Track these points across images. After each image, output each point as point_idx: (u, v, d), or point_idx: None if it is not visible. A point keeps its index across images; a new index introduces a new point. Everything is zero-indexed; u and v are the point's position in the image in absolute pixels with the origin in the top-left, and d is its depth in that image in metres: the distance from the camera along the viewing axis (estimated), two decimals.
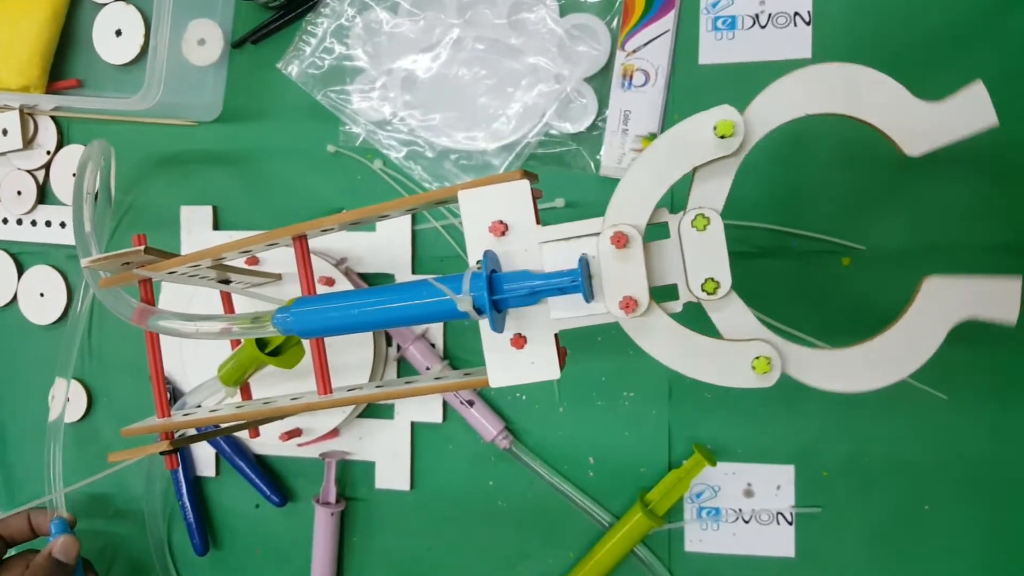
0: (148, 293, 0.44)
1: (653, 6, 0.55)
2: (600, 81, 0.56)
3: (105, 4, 0.63)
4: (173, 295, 0.62)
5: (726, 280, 0.35)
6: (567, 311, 0.36)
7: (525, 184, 0.36)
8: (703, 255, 0.35)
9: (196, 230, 0.63)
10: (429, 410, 0.60)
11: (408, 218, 0.59)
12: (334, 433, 0.60)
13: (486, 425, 0.57)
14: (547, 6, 0.56)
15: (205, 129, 0.63)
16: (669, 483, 0.55)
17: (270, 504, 0.62)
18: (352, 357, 0.57)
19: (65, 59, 0.66)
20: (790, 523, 0.55)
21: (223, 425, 0.48)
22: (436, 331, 0.59)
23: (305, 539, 0.61)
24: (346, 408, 0.58)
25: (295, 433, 0.59)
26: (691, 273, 0.35)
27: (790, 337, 0.38)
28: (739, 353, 0.35)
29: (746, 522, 0.55)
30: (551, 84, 0.56)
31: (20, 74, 0.63)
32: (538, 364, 0.36)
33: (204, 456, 0.64)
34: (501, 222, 0.36)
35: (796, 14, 0.53)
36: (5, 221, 0.67)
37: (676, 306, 0.36)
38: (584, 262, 0.35)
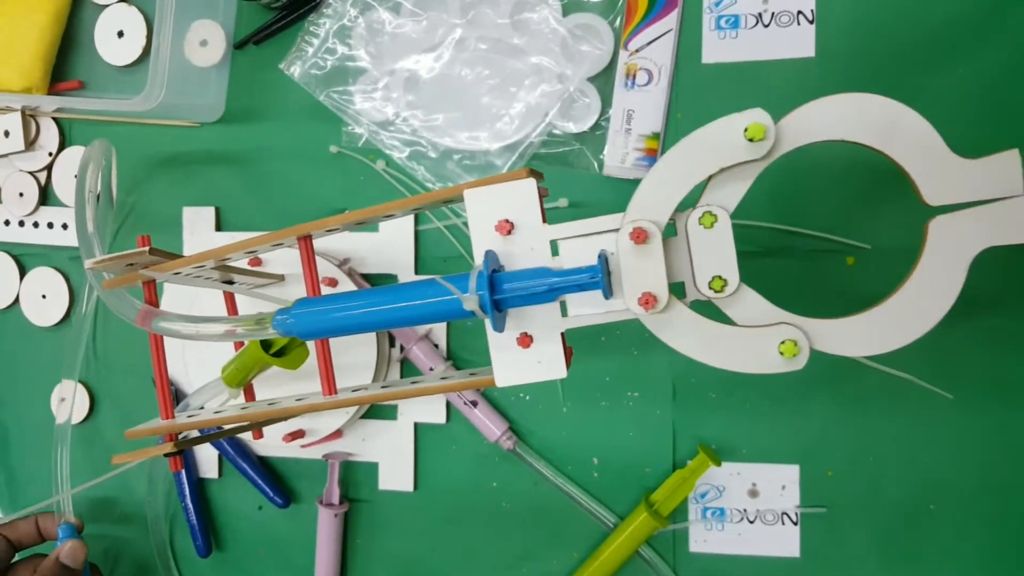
0: (152, 295, 0.44)
1: (656, 5, 0.54)
2: (603, 81, 0.56)
3: (107, 5, 0.63)
4: (175, 297, 0.62)
5: (734, 278, 0.35)
6: (583, 308, 0.36)
7: (531, 183, 0.36)
8: (710, 253, 0.35)
9: (198, 231, 0.63)
10: (432, 411, 0.59)
11: (411, 218, 0.59)
12: (337, 434, 0.60)
13: (490, 426, 0.57)
14: (550, 6, 0.56)
15: (207, 130, 0.63)
16: (674, 483, 0.55)
17: (273, 506, 0.61)
18: (355, 358, 0.57)
19: (67, 60, 0.66)
20: (795, 523, 0.55)
21: (227, 426, 0.48)
22: (439, 332, 0.59)
23: (308, 541, 0.61)
24: (349, 409, 0.58)
25: (298, 434, 0.58)
26: (698, 271, 0.35)
27: None
28: (765, 339, 0.35)
29: (751, 522, 0.55)
30: (554, 84, 0.56)
31: (22, 75, 0.63)
32: (545, 363, 0.36)
33: (207, 458, 0.64)
34: (507, 221, 0.36)
35: (799, 13, 0.53)
36: (7, 223, 0.67)
37: (685, 304, 0.36)
38: (603, 258, 0.35)
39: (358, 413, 0.59)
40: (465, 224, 0.58)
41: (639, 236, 0.34)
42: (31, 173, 0.66)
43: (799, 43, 0.53)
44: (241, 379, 0.49)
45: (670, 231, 0.36)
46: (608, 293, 0.35)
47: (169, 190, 0.64)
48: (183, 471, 0.62)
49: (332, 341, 0.41)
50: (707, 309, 0.36)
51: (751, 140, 0.34)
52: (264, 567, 0.64)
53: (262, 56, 0.62)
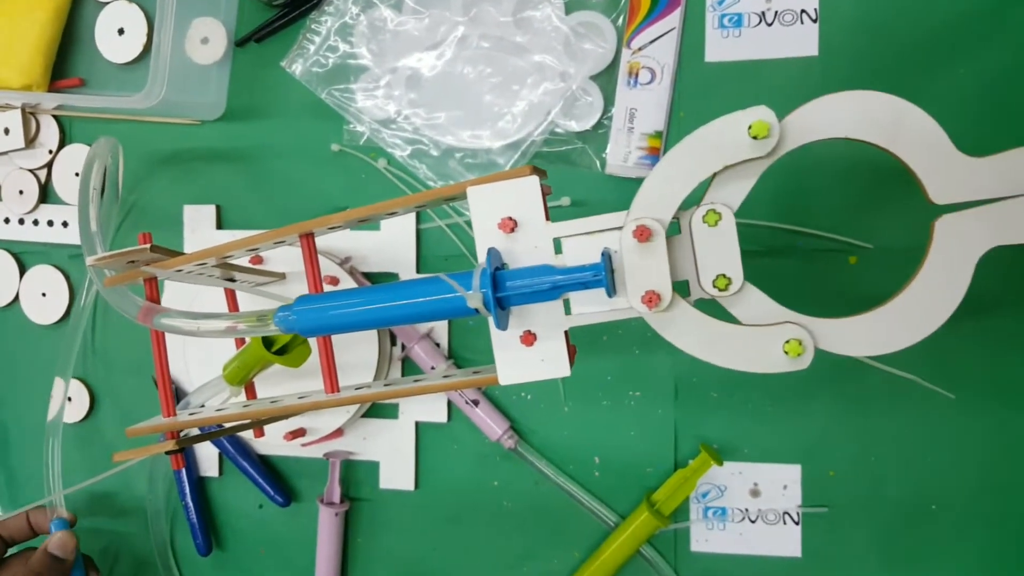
0: (153, 292, 0.44)
1: (659, 3, 0.54)
2: (606, 79, 0.56)
3: (107, 2, 0.63)
4: (176, 296, 0.61)
5: (738, 276, 0.35)
6: (587, 307, 0.36)
7: (535, 180, 0.35)
8: (714, 251, 0.35)
9: (199, 229, 0.63)
10: (434, 410, 0.59)
11: (413, 217, 0.59)
12: (338, 433, 0.59)
13: (491, 425, 0.57)
14: (552, 4, 0.56)
15: (208, 128, 0.63)
16: (675, 483, 0.55)
17: (274, 504, 0.61)
18: (356, 356, 0.57)
19: (67, 58, 0.66)
20: (797, 523, 0.55)
21: (229, 424, 0.48)
22: (441, 330, 0.59)
23: (309, 539, 0.61)
24: (350, 408, 0.58)
25: (299, 433, 0.58)
26: (702, 269, 0.35)
27: None
28: (769, 338, 0.35)
29: (752, 522, 0.55)
30: (556, 82, 0.56)
31: (22, 73, 0.63)
32: (548, 361, 0.36)
33: (207, 456, 0.64)
34: (510, 219, 0.35)
35: (803, 11, 0.53)
36: (7, 221, 0.67)
37: (689, 303, 0.36)
38: (607, 256, 0.34)
39: (359, 412, 0.59)
40: (467, 223, 0.58)
41: (643, 234, 0.34)
42: (31, 171, 0.66)
43: (802, 42, 0.53)
44: (242, 377, 0.49)
45: (674, 229, 0.36)
46: (612, 291, 0.35)
47: (170, 188, 0.64)
48: (183, 469, 0.62)
49: (334, 339, 0.41)
50: (711, 308, 0.36)
51: (755, 138, 0.33)
52: (264, 566, 0.64)
53: (263, 54, 0.62)
